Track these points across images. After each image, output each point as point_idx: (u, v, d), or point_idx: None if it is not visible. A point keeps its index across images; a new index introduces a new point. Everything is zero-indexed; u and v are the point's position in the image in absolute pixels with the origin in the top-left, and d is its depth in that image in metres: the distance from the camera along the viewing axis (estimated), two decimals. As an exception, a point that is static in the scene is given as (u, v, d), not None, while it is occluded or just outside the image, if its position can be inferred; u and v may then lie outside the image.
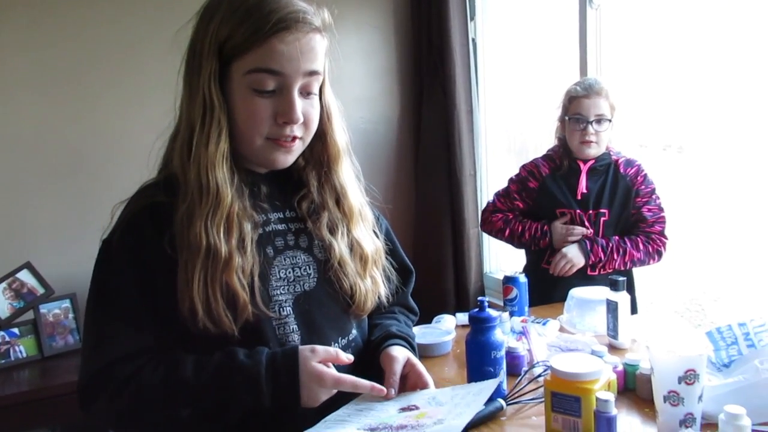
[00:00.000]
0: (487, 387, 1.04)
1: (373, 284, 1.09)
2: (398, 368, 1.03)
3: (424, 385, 1.03)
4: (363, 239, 1.09)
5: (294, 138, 0.98)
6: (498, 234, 2.21)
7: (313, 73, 0.97)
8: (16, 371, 2.15)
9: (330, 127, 1.06)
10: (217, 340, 0.94)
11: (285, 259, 1.02)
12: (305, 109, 0.97)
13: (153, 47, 2.49)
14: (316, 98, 1.01)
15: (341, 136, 1.08)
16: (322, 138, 1.05)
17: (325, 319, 1.04)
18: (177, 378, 0.92)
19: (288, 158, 1.01)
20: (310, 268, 1.03)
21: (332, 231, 1.06)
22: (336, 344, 1.04)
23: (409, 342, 1.12)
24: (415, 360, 1.06)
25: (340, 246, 1.05)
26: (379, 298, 1.11)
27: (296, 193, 1.07)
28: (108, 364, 0.93)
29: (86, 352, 0.97)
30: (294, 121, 0.96)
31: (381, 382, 1.01)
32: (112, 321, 0.95)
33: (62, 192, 2.46)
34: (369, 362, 1.08)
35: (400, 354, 1.05)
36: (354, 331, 1.09)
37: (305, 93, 0.98)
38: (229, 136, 0.96)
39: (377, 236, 1.14)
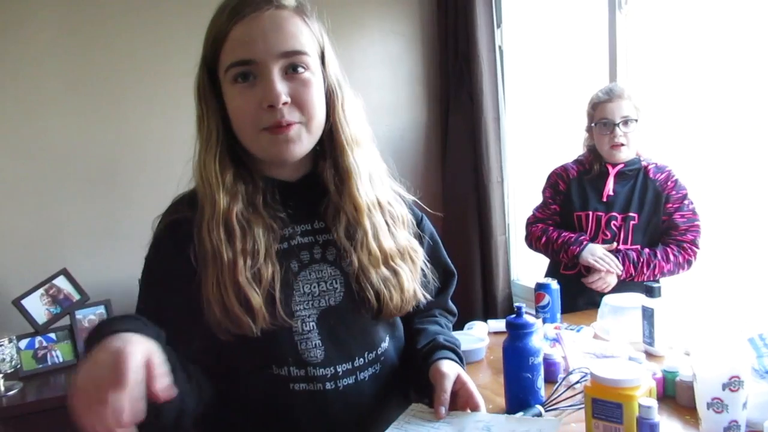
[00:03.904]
0: (547, 429, 0.98)
1: (395, 277, 1.01)
2: (449, 385, 0.99)
3: (474, 407, 1.00)
4: (378, 231, 1.01)
5: (290, 124, 0.93)
6: (536, 243, 2.17)
7: (291, 54, 0.92)
8: (53, 376, 2.20)
9: (335, 114, 0.99)
10: (241, 348, 0.93)
11: (310, 274, 0.98)
12: (294, 89, 0.93)
13: (185, 57, 2.53)
14: (311, 78, 0.95)
15: (353, 124, 1.01)
16: (328, 126, 1.00)
17: (351, 334, 1.00)
18: None
19: (292, 147, 0.94)
20: (336, 282, 0.99)
21: (352, 236, 1.00)
22: (362, 359, 1.01)
23: (456, 353, 1.09)
24: (466, 377, 1.03)
25: (358, 251, 0.99)
26: (417, 304, 1.06)
27: (322, 201, 1.02)
28: None
29: None
30: (275, 102, 0.90)
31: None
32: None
33: (97, 200, 2.51)
34: (417, 372, 1.06)
35: (450, 371, 1.01)
36: (384, 344, 1.05)
37: (291, 73, 0.93)
38: (233, 139, 0.97)
39: (407, 232, 1.08)
